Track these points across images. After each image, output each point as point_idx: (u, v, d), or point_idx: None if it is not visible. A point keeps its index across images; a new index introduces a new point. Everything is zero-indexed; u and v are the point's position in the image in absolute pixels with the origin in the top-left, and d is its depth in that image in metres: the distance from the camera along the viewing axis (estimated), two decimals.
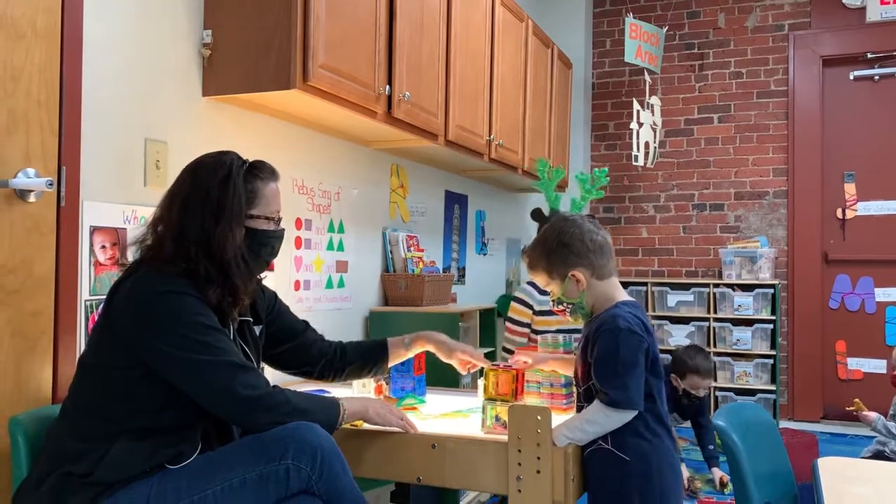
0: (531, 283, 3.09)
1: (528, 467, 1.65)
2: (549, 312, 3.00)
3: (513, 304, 3.12)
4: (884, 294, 4.93)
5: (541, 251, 1.81)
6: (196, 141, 2.27)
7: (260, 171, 1.70)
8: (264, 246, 1.71)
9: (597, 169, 2.76)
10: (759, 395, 4.73)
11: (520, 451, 1.66)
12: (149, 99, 2.11)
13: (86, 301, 1.89)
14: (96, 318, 1.89)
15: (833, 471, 1.51)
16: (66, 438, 1.54)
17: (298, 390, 1.67)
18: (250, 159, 1.73)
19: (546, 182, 2.59)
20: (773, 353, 4.76)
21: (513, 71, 3.76)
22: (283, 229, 1.78)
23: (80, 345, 1.87)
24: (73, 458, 1.50)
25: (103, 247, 1.94)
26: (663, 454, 1.64)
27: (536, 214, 2.99)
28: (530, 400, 2.02)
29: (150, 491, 1.47)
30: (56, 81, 1.80)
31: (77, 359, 1.68)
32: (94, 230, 1.91)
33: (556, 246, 1.77)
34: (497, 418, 1.84)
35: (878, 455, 3.55)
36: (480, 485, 1.75)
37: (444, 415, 2.08)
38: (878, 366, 4.92)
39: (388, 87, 2.59)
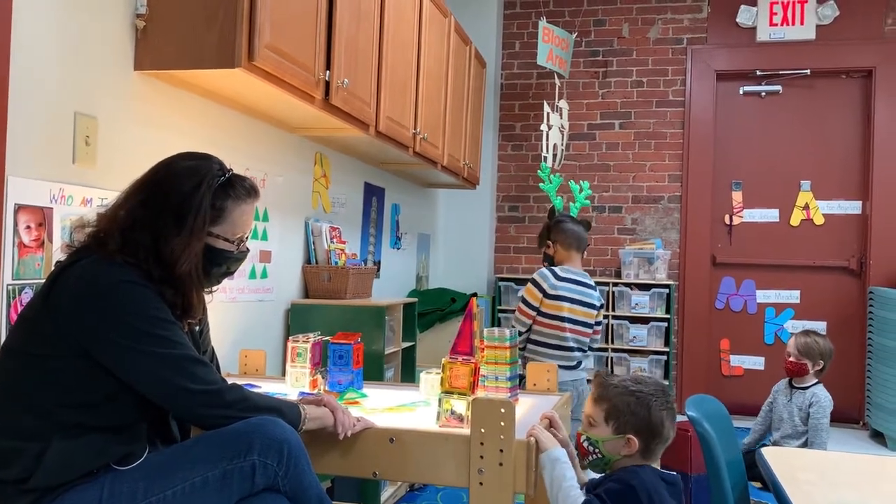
0: (550, 269, 3.17)
1: (490, 460, 1.65)
2: (560, 298, 3.09)
3: (528, 286, 3.16)
4: (763, 296, 5.31)
5: (630, 401, 1.56)
6: (127, 117, 2.12)
7: (233, 189, 1.59)
8: (218, 265, 1.62)
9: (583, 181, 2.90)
10: None
11: (482, 443, 1.66)
12: (78, 69, 1.95)
13: (7, 285, 1.72)
14: (20, 304, 1.73)
15: (779, 460, 1.61)
16: None
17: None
18: (233, 170, 1.61)
19: (549, 185, 2.83)
20: (666, 349, 5.01)
21: (437, 66, 3.75)
22: (246, 251, 1.67)
23: (1, 334, 1.69)
24: (2, 461, 1.36)
25: (28, 227, 1.77)
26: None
27: (551, 213, 3.18)
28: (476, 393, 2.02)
29: (102, 494, 1.36)
30: None
31: None
32: (18, 208, 1.74)
33: (651, 412, 1.54)
34: (451, 412, 1.82)
35: (759, 444, 3.83)
36: (439, 478, 1.73)
37: (390, 409, 2.04)
38: (756, 362, 5.29)
39: (327, 72, 2.52)
